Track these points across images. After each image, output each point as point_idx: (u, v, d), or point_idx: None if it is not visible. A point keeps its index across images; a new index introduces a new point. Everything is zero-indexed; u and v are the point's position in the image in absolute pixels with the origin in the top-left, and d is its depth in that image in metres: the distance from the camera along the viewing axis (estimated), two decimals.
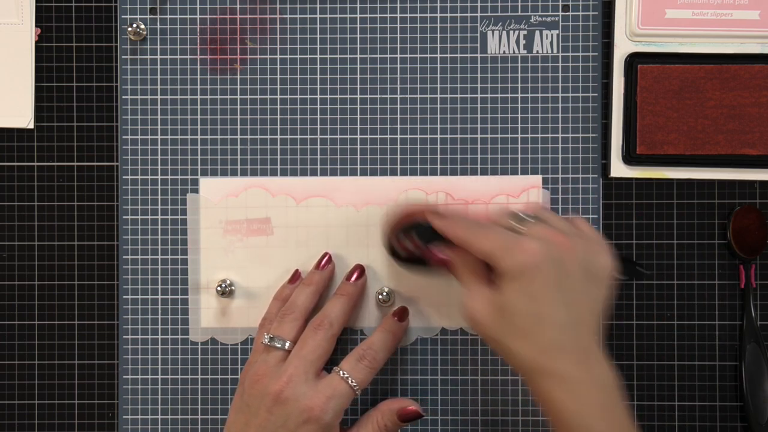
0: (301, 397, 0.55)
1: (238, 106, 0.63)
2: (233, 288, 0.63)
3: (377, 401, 0.60)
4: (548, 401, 0.50)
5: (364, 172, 0.63)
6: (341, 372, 0.56)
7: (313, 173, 0.63)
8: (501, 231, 0.52)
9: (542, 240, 0.51)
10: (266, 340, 0.57)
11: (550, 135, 0.63)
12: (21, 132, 0.64)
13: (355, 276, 0.61)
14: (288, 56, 0.63)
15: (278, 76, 0.63)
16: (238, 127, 0.63)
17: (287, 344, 0.57)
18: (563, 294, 0.50)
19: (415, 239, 0.56)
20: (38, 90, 0.64)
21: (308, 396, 0.55)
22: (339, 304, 0.59)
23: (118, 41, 0.64)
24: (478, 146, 0.63)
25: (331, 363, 0.58)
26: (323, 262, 0.62)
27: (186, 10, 0.63)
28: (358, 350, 0.58)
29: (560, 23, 0.63)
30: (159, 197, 0.63)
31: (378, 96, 0.63)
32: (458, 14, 0.63)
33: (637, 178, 0.63)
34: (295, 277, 0.62)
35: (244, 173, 0.63)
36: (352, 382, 0.56)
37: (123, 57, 0.63)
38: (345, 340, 0.63)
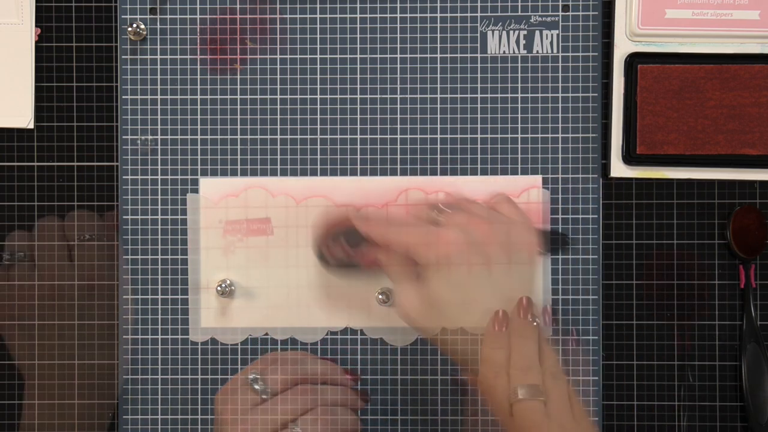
0: None
1: (238, 106, 0.63)
2: (233, 288, 0.63)
3: (377, 401, 0.60)
4: (489, 388, 0.50)
5: (364, 172, 0.63)
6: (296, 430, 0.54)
7: (313, 173, 0.63)
8: (421, 225, 0.53)
9: (461, 228, 0.51)
10: (250, 379, 0.55)
11: (550, 135, 0.63)
12: (21, 132, 0.64)
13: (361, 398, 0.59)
14: (288, 56, 0.63)
15: (278, 76, 0.63)
16: (238, 127, 0.63)
17: (268, 394, 0.55)
18: (488, 278, 0.51)
19: (344, 244, 0.57)
20: (38, 90, 0.64)
21: None
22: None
23: (118, 41, 0.64)
24: (478, 146, 0.63)
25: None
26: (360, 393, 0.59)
27: (186, 10, 0.63)
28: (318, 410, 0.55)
29: (560, 23, 0.63)
30: (159, 197, 0.63)
31: (378, 96, 0.63)
32: (458, 14, 0.63)
33: (637, 178, 0.63)
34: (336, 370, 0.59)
35: (244, 173, 0.63)
36: None
37: (123, 57, 0.63)
38: (344, 340, 0.63)
